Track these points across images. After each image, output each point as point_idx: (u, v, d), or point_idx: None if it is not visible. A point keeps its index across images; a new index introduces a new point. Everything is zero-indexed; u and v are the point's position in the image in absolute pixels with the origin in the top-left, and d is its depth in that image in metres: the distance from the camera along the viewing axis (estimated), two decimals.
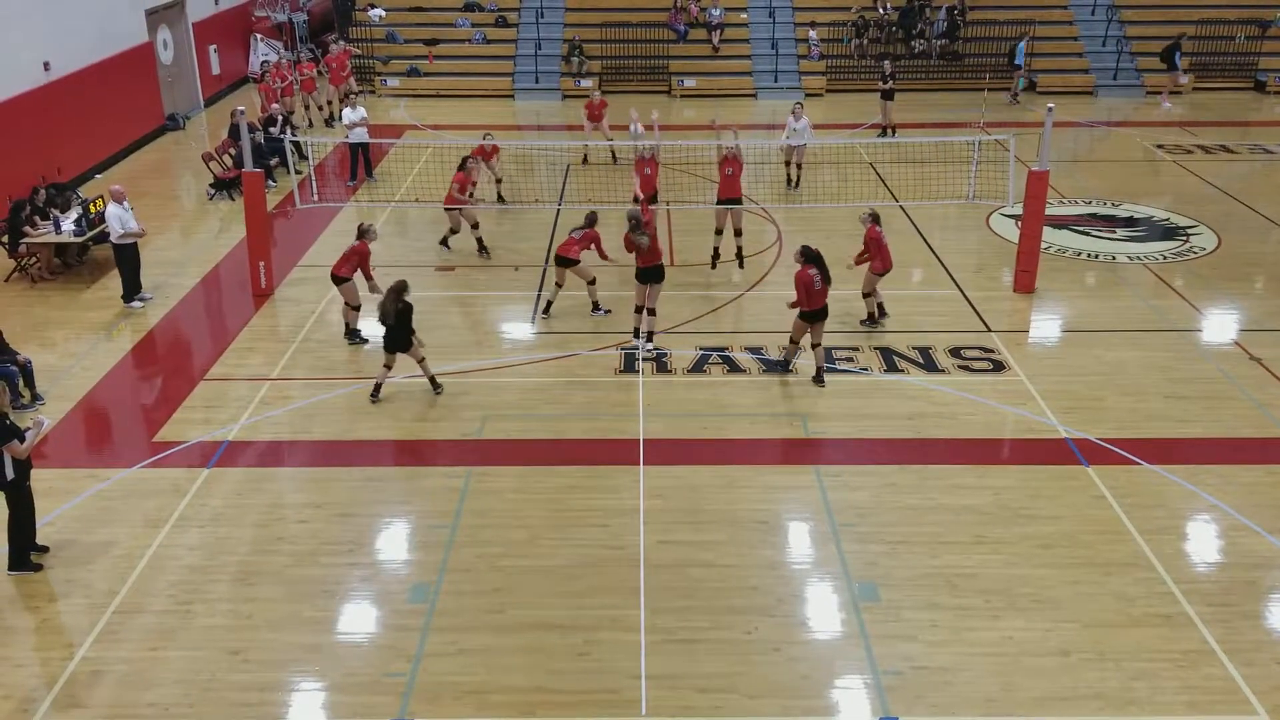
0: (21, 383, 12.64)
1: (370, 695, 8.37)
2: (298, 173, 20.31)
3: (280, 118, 21.69)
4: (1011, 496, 10.85)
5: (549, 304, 14.91)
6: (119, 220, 15.06)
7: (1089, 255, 17.28)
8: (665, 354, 13.74)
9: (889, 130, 23.87)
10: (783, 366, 13.20)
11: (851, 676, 8.55)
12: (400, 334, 12.38)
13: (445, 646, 8.85)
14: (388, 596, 9.48)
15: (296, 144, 20.72)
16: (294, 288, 16.08)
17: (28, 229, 16.28)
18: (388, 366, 12.60)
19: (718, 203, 16.23)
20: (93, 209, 16.62)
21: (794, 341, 13.06)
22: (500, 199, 19.80)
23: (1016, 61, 27.56)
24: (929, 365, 13.52)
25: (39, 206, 16.61)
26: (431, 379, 12.77)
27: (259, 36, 30.03)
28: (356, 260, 13.77)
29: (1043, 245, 15.95)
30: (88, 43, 21.23)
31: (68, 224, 16.48)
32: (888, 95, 23.82)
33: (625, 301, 14.42)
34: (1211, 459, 11.48)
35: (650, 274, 13.51)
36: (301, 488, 11.14)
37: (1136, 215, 19.17)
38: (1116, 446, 11.70)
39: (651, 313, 13.76)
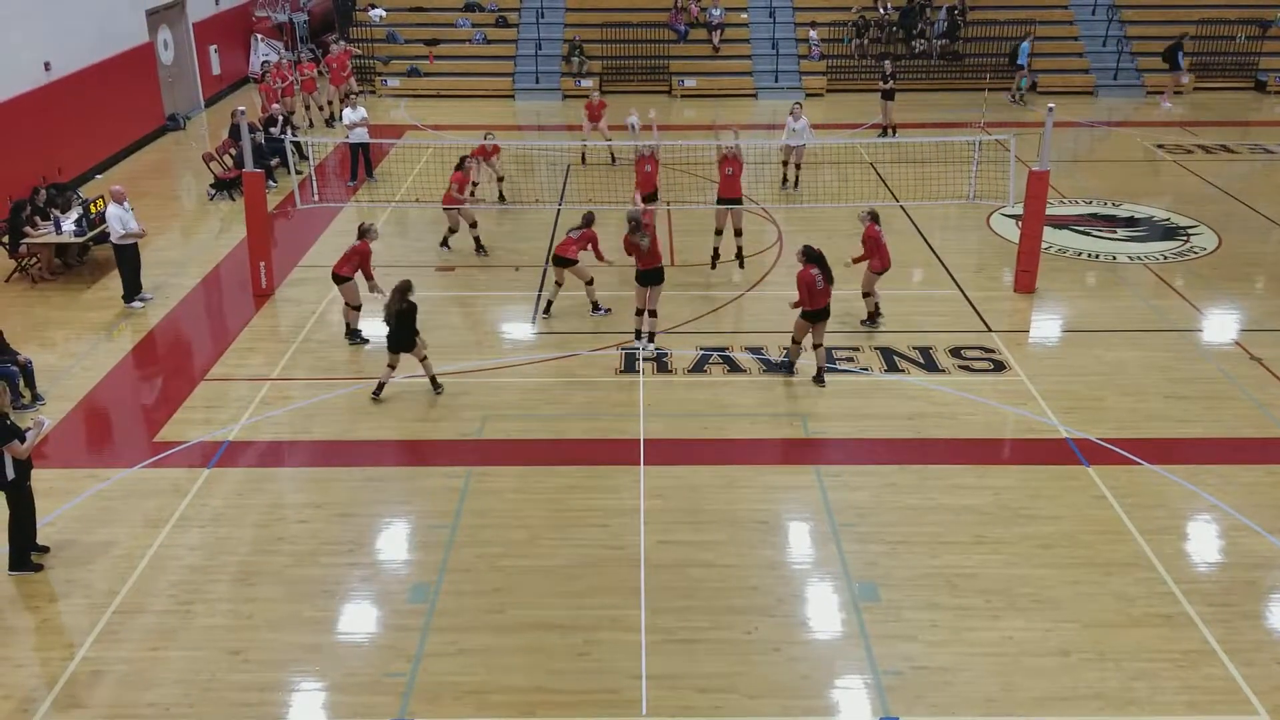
0: (22, 383, 12.64)
1: (370, 695, 8.38)
2: (298, 173, 20.31)
3: (281, 118, 21.69)
4: (1012, 496, 10.85)
5: (549, 304, 14.91)
6: (119, 221, 15.06)
7: (1089, 255, 17.28)
8: (665, 354, 13.74)
9: (889, 130, 23.87)
10: (787, 369, 13.16)
11: (851, 676, 8.56)
12: (404, 334, 12.39)
13: (445, 646, 8.86)
14: (388, 596, 9.49)
15: (297, 144, 20.72)
16: (294, 288, 16.09)
17: (28, 229, 16.28)
18: (392, 366, 12.60)
19: (718, 202, 16.23)
20: (93, 209, 16.63)
21: (796, 341, 13.05)
22: (501, 197, 19.82)
23: (1020, 61, 27.56)
24: (929, 365, 13.52)
25: (39, 207, 16.61)
26: (433, 379, 12.78)
27: (259, 37, 30.04)
28: (358, 260, 13.78)
29: (1043, 245, 15.95)
30: (88, 43, 21.24)
31: (68, 224, 16.48)
32: (888, 95, 23.82)
33: (625, 301, 14.42)
34: (1212, 459, 11.48)
35: (650, 276, 13.51)
36: (302, 488, 11.14)
37: (1137, 215, 19.16)
38: (1117, 446, 11.70)
39: (653, 314, 13.76)
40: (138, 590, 9.50)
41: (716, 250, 16.25)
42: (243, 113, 15.89)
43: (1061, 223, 18.48)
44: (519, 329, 14.81)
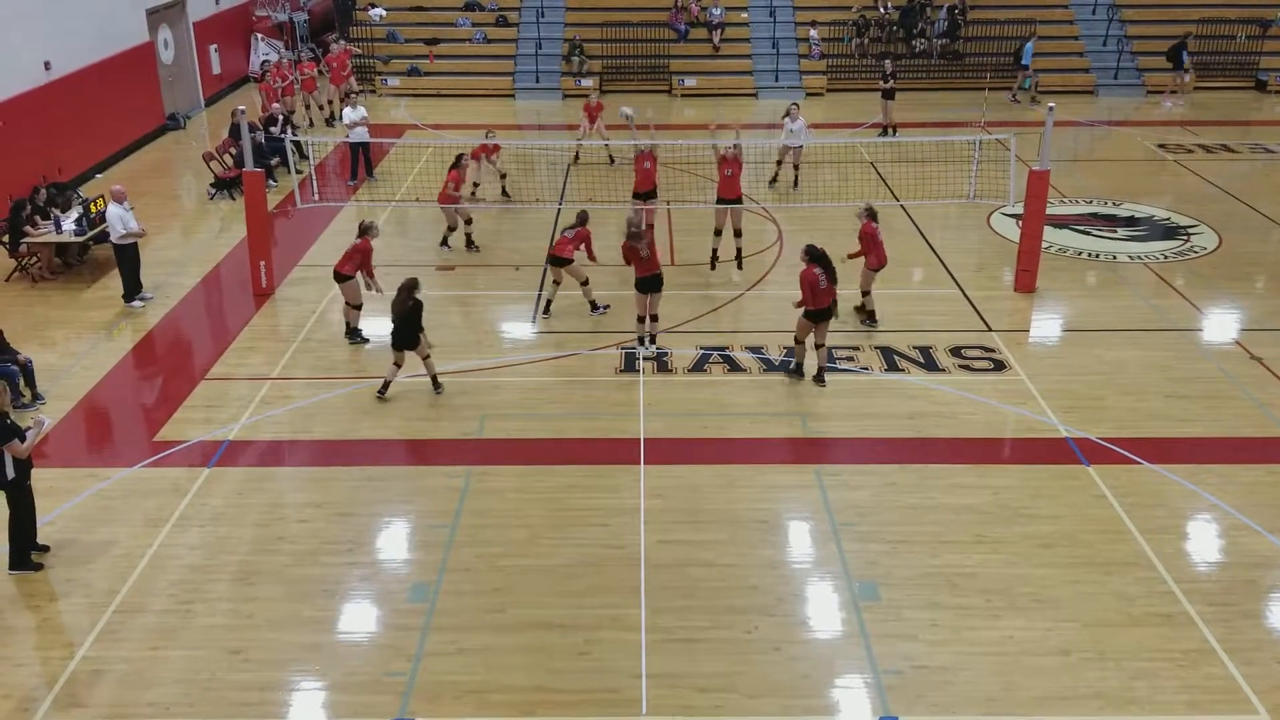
0: (22, 382, 12.64)
1: (370, 695, 8.38)
2: (298, 172, 20.31)
3: (281, 117, 21.69)
4: (1012, 496, 10.84)
5: (548, 303, 14.91)
6: (120, 220, 15.06)
7: (1090, 255, 17.28)
8: (666, 353, 13.74)
9: (890, 129, 23.87)
10: (797, 371, 13.09)
11: (852, 676, 8.55)
12: (408, 332, 12.39)
13: (445, 646, 8.85)
14: (388, 596, 9.49)
15: (297, 143, 20.71)
16: (295, 287, 16.09)
17: (28, 228, 16.28)
18: (397, 364, 12.60)
19: (717, 202, 16.22)
20: (93, 209, 16.63)
21: (799, 341, 13.02)
22: (505, 193, 19.84)
23: (1024, 61, 27.56)
24: (930, 365, 13.52)
25: (40, 206, 16.61)
26: (434, 378, 12.78)
27: (259, 36, 30.04)
28: (359, 258, 13.77)
29: (1043, 245, 15.94)
30: (88, 42, 21.23)
31: (68, 224, 16.48)
32: (889, 94, 23.82)
33: (623, 301, 14.39)
34: (1212, 458, 11.48)
35: (649, 283, 13.44)
36: (302, 487, 11.14)
37: (1137, 215, 19.16)
38: (1117, 446, 11.70)
39: (654, 319, 13.73)
40: (138, 589, 9.50)
41: (715, 251, 16.24)
42: (243, 112, 15.89)
43: (1062, 222, 18.48)
44: (519, 328, 14.81)
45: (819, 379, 13.00)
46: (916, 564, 9.82)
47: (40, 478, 10.16)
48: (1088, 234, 18.17)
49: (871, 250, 14.18)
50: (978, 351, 13.88)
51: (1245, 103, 27.93)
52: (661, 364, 13.52)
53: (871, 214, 14.28)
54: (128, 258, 15.33)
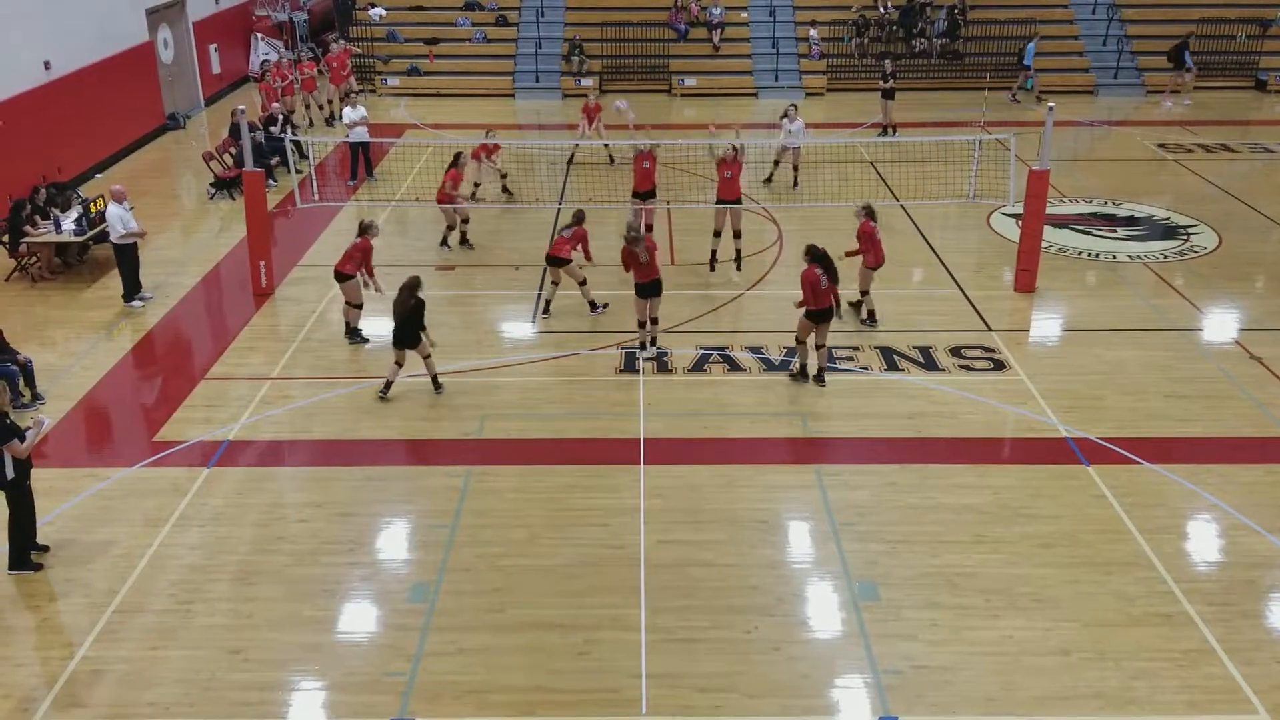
0: (22, 382, 12.64)
1: (370, 695, 8.38)
2: (298, 172, 20.31)
3: (280, 117, 21.69)
4: (1012, 496, 10.85)
5: (548, 303, 14.91)
6: (120, 220, 15.06)
7: (1089, 254, 17.28)
8: (666, 353, 13.74)
9: (890, 129, 23.87)
10: (801, 374, 13.05)
11: (851, 676, 8.55)
12: (410, 331, 12.39)
13: (445, 646, 8.85)
14: (388, 596, 9.49)
15: (297, 143, 20.71)
16: (294, 287, 16.09)
17: (28, 228, 16.28)
18: (399, 364, 12.59)
19: (717, 203, 16.19)
20: (93, 208, 16.62)
21: (800, 341, 13.00)
22: (507, 191, 19.84)
23: (1026, 62, 27.57)
24: (929, 364, 13.52)
25: (39, 206, 16.61)
26: (434, 378, 12.78)
27: (259, 35, 30.04)
28: (360, 257, 13.77)
29: (1043, 244, 15.94)
30: (88, 42, 21.23)
31: (68, 223, 16.47)
32: (888, 94, 23.81)
33: (623, 301, 14.38)
34: (1212, 458, 11.48)
35: (649, 289, 13.38)
36: (302, 487, 11.14)
37: (1137, 214, 19.16)
38: (1117, 446, 11.70)
39: (654, 322, 13.70)
40: (137, 589, 9.50)
41: (714, 253, 16.21)
42: (243, 112, 15.89)
43: (1062, 222, 18.48)
44: (519, 328, 14.81)
45: (819, 379, 13.00)
46: (916, 564, 9.82)
47: (40, 478, 10.16)
48: (1087, 234, 18.17)
49: (869, 249, 14.18)
50: (977, 351, 13.88)
51: (1245, 102, 27.93)
52: (661, 364, 13.52)
53: (870, 213, 14.28)
54: (127, 258, 15.33)
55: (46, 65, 19.78)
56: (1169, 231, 18.32)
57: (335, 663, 8.70)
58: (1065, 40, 29.66)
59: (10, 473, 9.48)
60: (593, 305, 14.85)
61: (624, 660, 8.69)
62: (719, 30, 29.59)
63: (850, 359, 13.64)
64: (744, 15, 30.32)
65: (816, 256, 12.69)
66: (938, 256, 17.16)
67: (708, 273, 16.23)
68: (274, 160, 20.66)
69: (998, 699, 8.32)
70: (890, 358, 13.68)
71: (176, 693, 8.37)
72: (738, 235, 16.16)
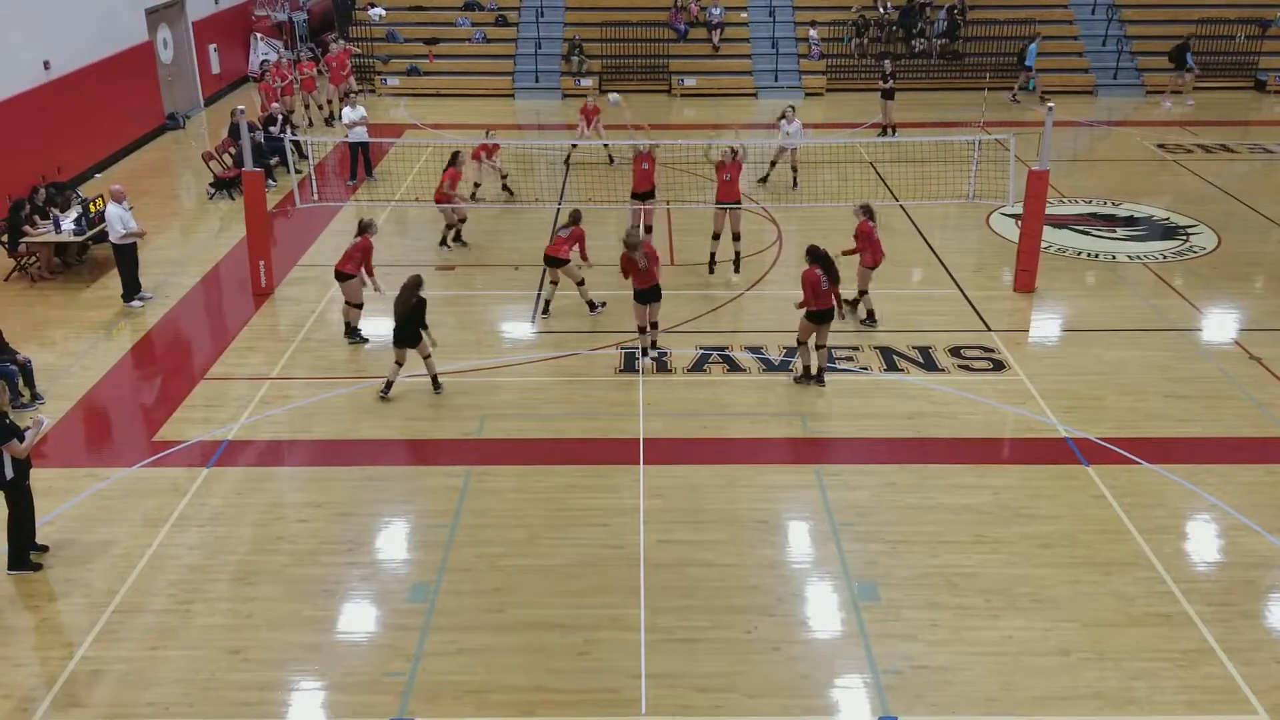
0: (21, 382, 12.63)
1: (370, 694, 8.37)
2: (298, 172, 20.31)
3: (280, 117, 21.69)
4: (1011, 496, 10.85)
5: (547, 303, 14.91)
6: (119, 220, 15.05)
7: (1089, 255, 17.28)
8: (665, 353, 13.74)
9: (889, 129, 23.87)
10: (805, 377, 13.00)
11: (851, 676, 8.55)
12: (411, 330, 12.38)
13: (445, 646, 8.85)
14: (387, 596, 9.48)
15: (296, 143, 20.71)
16: (294, 287, 16.09)
17: (27, 228, 16.28)
18: (399, 363, 12.59)
19: (716, 205, 16.13)
20: (92, 208, 16.62)
21: (801, 343, 12.98)
22: (506, 190, 19.85)
23: (1027, 63, 27.58)
24: (929, 365, 13.52)
25: (39, 206, 16.61)
26: (434, 378, 12.77)
27: (259, 35, 30.03)
28: (360, 256, 13.77)
29: (1043, 244, 15.95)
30: (88, 42, 21.23)
31: (67, 223, 16.47)
32: (888, 94, 23.82)
33: (621, 300, 14.36)
34: (1211, 458, 11.48)
35: (649, 294, 13.27)
36: (301, 487, 11.14)
37: (1136, 215, 19.17)
38: (1116, 446, 11.70)
39: (654, 326, 13.65)
40: (137, 589, 9.50)
41: (713, 255, 16.16)
42: (242, 111, 15.89)
43: (1061, 222, 18.48)
44: (518, 328, 14.81)
45: (819, 379, 12.99)
46: (916, 564, 9.83)
47: (39, 478, 10.15)
48: (1087, 234, 18.18)
49: (867, 248, 14.17)
50: (977, 351, 13.88)
51: (1244, 103, 27.94)
52: (661, 364, 13.52)
53: (868, 212, 14.27)
54: (127, 258, 15.32)
55: (46, 65, 19.77)
56: (1168, 232, 18.33)
57: (335, 663, 8.70)
58: (1065, 40, 29.67)
59: (9, 473, 9.47)
60: (591, 305, 14.84)
61: (624, 660, 8.69)
62: (719, 30, 29.59)
63: (850, 359, 13.64)
64: (744, 15, 30.33)
65: (817, 257, 12.68)
66: (937, 257, 17.16)
67: (707, 273, 16.23)
68: (273, 160, 20.66)
69: (997, 699, 8.32)
70: (890, 358, 13.68)
71: (176, 693, 8.37)
72: (737, 238, 16.15)
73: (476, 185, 19.34)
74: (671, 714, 8.19)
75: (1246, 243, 17.81)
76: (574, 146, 22.21)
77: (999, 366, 13.50)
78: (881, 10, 30.01)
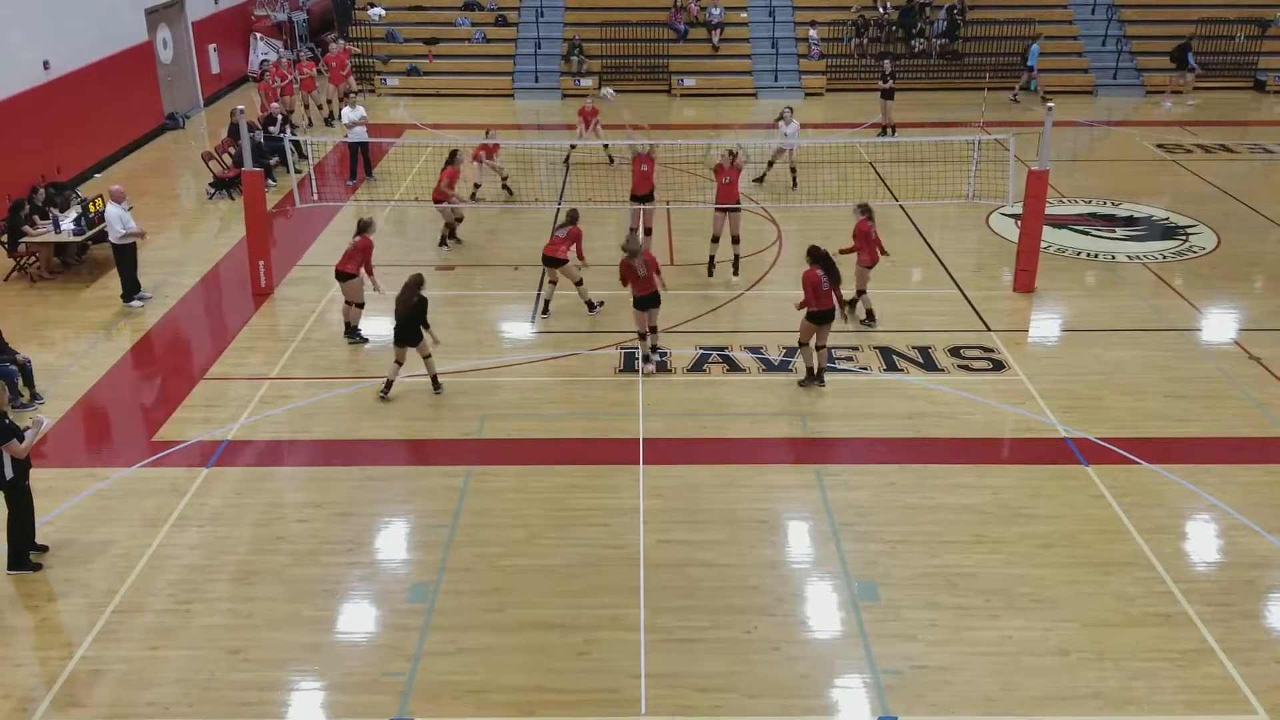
0: (21, 382, 12.63)
1: (369, 694, 8.37)
2: (297, 172, 20.32)
3: (280, 117, 21.70)
4: (1011, 496, 10.85)
5: (546, 303, 14.91)
6: (119, 220, 15.05)
7: (1089, 255, 17.29)
8: (665, 353, 13.73)
9: (889, 129, 23.88)
10: (809, 378, 12.98)
11: (851, 676, 8.55)
12: (412, 328, 12.38)
13: (445, 646, 8.85)
14: (387, 596, 9.48)
15: (296, 143, 20.71)
16: (294, 287, 16.08)
17: (27, 228, 16.28)
18: (399, 362, 12.58)
19: (716, 208, 16.06)
20: (92, 208, 16.61)
21: (804, 344, 12.95)
22: (506, 190, 19.85)
23: (1030, 63, 27.58)
24: (929, 365, 13.52)
25: (38, 205, 16.60)
26: (434, 378, 12.77)
27: (259, 35, 30.03)
28: (361, 256, 13.76)
29: (1042, 244, 15.95)
30: (87, 42, 21.23)
31: (67, 223, 16.47)
32: (888, 94, 23.82)
33: (620, 300, 14.36)
34: (1211, 458, 11.49)
35: (648, 301, 13.22)
36: (301, 487, 11.14)
37: (1136, 215, 19.17)
38: (1116, 446, 11.71)
39: (653, 330, 13.61)
40: (137, 589, 9.50)
41: (712, 259, 16.10)
42: (242, 111, 15.89)
43: (1061, 222, 18.48)
44: (518, 328, 14.81)
45: (819, 379, 12.99)
46: (916, 564, 9.83)
47: (39, 477, 10.15)
48: (1087, 234, 18.18)
49: (864, 247, 14.16)
50: (977, 351, 13.89)
51: (1244, 103, 27.94)
52: (661, 364, 13.51)
53: (866, 211, 14.25)
54: (126, 258, 15.32)
55: (46, 65, 19.77)
56: (1168, 232, 18.33)
57: (335, 663, 8.70)
58: (1065, 40, 29.67)
59: (9, 473, 9.47)
60: (590, 305, 14.84)
61: (624, 660, 8.69)
62: (718, 30, 29.59)
63: (850, 359, 13.65)
64: (743, 15, 30.32)
65: (818, 258, 12.66)
66: (937, 257, 17.16)
67: (706, 275, 16.20)
68: (273, 160, 20.65)
69: (997, 699, 8.32)
70: (889, 358, 13.68)
71: (176, 692, 8.37)
72: (736, 241, 16.10)
73: (476, 185, 19.34)
74: (671, 714, 8.19)
75: (1246, 243, 17.82)
76: (573, 147, 22.22)
77: (999, 366, 13.50)
78: (881, 10, 30.01)
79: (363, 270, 13.79)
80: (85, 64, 21.08)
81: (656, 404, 12.61)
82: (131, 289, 15.43)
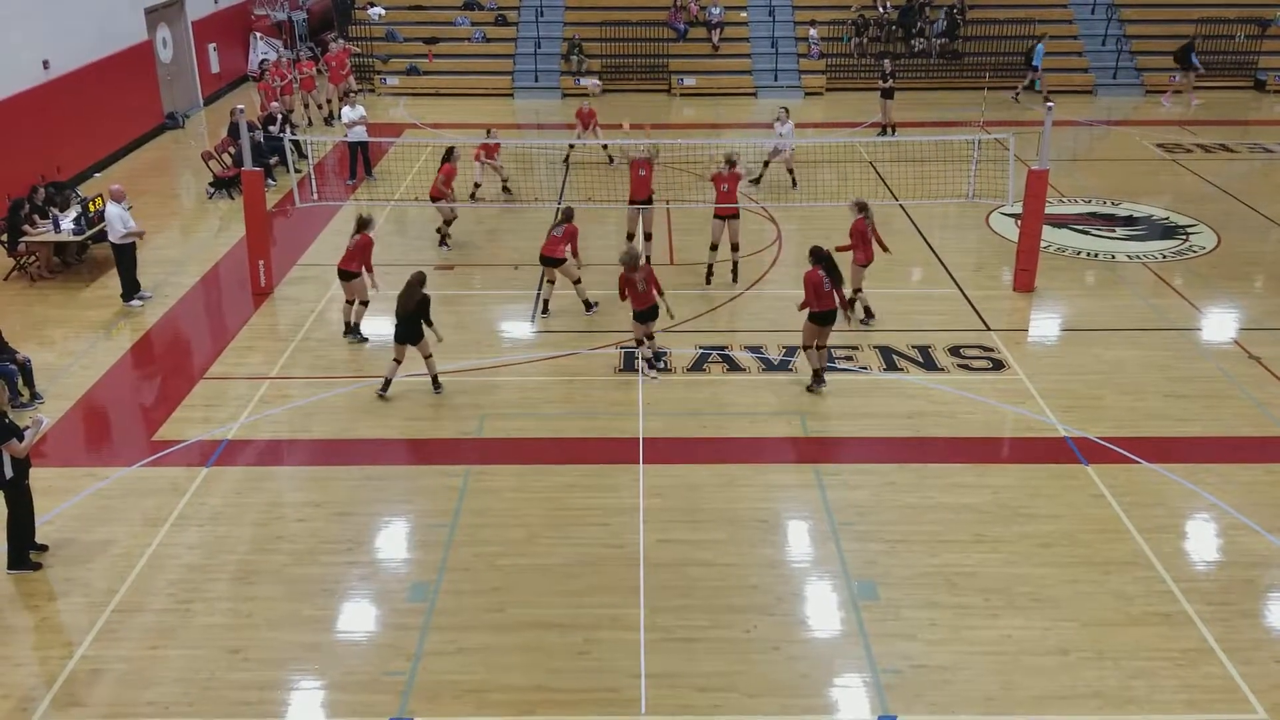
0: (20, 381, 12.64)
1: (370, 694, 8.38)
2: (297, 171, 20.31)
3: (280, 116, 21.69)
4: (1011, 495, 10.85)
5: (546, 303, 14.90)
6: (119, 220, 15.05)
7: (1088, 254, 17.29)
8: (665, 353, 13.73)
9: (889, 129, 23.87)
10: (817, 381, 12.91)
11: (850, 675, 8.56)
12: (413, 326, 12.37)
13: (445, 645, 8.86)
14: (387, 595, 9.49)
15: (296, 143, 20.71)
16: (293, 286, 16.08)
17: (27, 228, 16.27)
18: (398, 360, 12.57)
19: (714, 217, 15.92)
20: (91, 208, 16.61)
21: (807, 346, 12.87)
22: (506, 190, 19.84)
23: (1035, 63, 27.58)
24: (928, 364, 13.52)
25: (38, 205, 16.60)
26: (434, 378, 12.77)
27: (258, 35, 30.03)
28: (361, 254, 13.76)
29: (1042, 244, 15.95)
30: (87, 41, 21.22)
31: (67, 223, 16.46)
32: (888, 94, 23.82)
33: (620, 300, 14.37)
34: (1210, 458, 11.49)
35: (648, 314, 13.13)
36: (301, 486, 11.14)
37: (1136, 214, 19.17)
38: (1116, 445, 11.71)
39: (650, 338, 13.53)
40: (136, 589, 9.50)
41: (711, 266, 15.94)
42: (241, 111, 15.88)
43: (1061, 222, 18.48)
44: (518, 328, 14.81)
45: (819, 379, 12.97)
46: (915, 563, 9.83)
47: (39, 477, 10.16)
48: (1086, 233, 18.18)
49: (860, 246, 14.13)
50: (976, 351, 13.89)
51: (1244, 102, 27.94)
52: (661, 366, 13.49)
53: (863, 210, 14.21)
54: (126, 257, 15.31)
55: (45, 65, 19.77)
56: (1168, 231, 18.33)
57: (334, 662, 8.70)
58: (1065, 40, 29.66)
59: (9, 472, 9.48)
60: (588, 304, 14.83)
61: (623, 660, 8.69)
62: (718, 30, 29.59)
63: (849, 359, 13.65)
64: (743, 15, 30.32)
65: (820, 258, 12.61)
66: (937, 256, 17.16)
67: (704, 281, 16.12)
68: (273, 160, 20.65)
69: (997, 698, 8.32)
70: (889, 357, 13.68)
71: (176, 692, 8.37)
72: (735, 248, 15.90)
73: (476, 185, 19.34)
74: (671, 713, 8.19)
75: (1246, 242, 17.82)
76: (571, 147, 22.21)
77: (998, 366, 13.50)
78: (881, 10, 30.01)
79: (363, 269, 13.79)
80: (85, 64, 21.07)
81: (656, 403, 12.61)
82: (131, 288, 15.43)
